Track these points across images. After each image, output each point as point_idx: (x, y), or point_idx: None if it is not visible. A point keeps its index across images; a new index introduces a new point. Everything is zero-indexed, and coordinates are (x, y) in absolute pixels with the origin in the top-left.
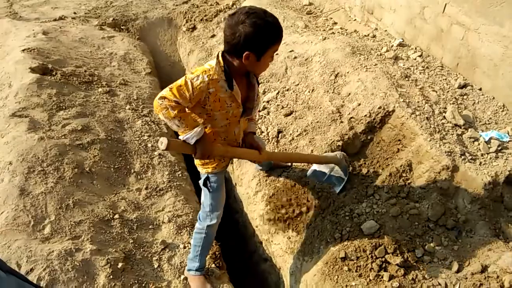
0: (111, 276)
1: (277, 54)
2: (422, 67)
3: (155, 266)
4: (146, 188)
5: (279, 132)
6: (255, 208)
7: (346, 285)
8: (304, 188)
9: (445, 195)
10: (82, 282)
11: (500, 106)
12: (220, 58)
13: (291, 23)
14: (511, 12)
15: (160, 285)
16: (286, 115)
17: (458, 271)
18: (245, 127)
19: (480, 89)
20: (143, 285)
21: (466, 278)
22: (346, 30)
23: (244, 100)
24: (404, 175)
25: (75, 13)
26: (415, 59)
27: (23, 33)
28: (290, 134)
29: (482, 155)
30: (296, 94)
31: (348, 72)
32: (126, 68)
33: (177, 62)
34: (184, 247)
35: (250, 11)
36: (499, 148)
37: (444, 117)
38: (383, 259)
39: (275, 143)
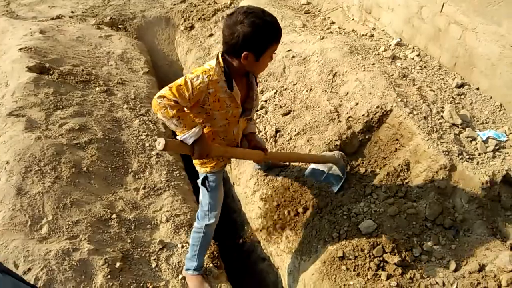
0: (109, 276)
1: (275, 53)
2: (420, 66)
3: (153, 266)
4: (144, 188)
5: (277, 131)
6: (253, 207)
7: (344, 284)
8: (302, 187)
9: (442, 195)
10: (79, 282)
11: (498, 106)
12: (220, 59)
13: (289, 23)
14: (509, 11)
15: (158, 285)
16: (284, 114)
17: (455, 270)
18: (244, 127)
19: (478, 89)
20: (141, 284)
21: (464, 277)
22: (344, 29)
23: (243, 101)
24: (401, 174)
25: (72, 12)
26: (413, 58)
27: (20, 32)
28: (288, 133)
29: (479, 154)
30: (294, 94)
31: (346, 72)
32: (124, 67)
33: (175, 61)
34: (182, 247)
35: (248, 10)
36: (496, 148)
37: (442, 116)
38: (381, 258)
39: (273, 143)
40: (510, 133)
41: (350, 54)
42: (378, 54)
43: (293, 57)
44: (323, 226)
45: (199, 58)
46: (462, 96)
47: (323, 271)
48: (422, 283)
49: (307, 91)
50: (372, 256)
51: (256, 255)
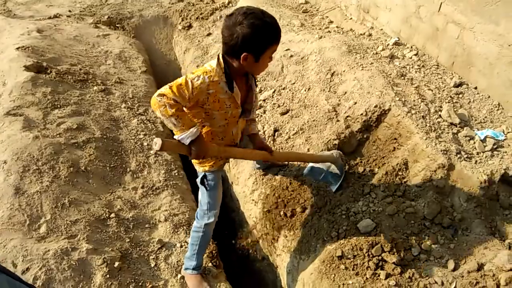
0: (108, 275)
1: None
2: (418, 66)
3: (152, 265)
4: (142, 187)
5: (275, 130)
6: (252, 207)
7: (343, 284)
8: (301, 187)
9: (441, 194)
10: (78, 281)
11: (496, 105)
12: (221, 59)
13: (287, 22)
14: (507, 11)
15: (157, 284)
16: (283, 113)
17: (454, 269)
18: (243, 127)
19: (476, 88)
20: (140, 284)
21: (463, 276)
22: (342, 28)
23: (243, 101)
24: (400, 173)
25: (70, 11)
26: (411, 58)
27: (17, 31)
28: (287, 132)
29: (477, 153)
30: (292, 93)
31: (344, 71)
32: (122, 66)
33: (173, 61)
34: (181, 246)
35: (247, 11)
36: (494, 147)
37: (440, 115)
38: (380, 257)
39: (272, 142)
40: (508, 132)
41: (348, 54)
42: (376, 53)
43: (291, 56)
44: (322, 225)
45: (197, 57)
46: (460, 95)
47: (322, 270)
48: (421, 282)
49: (305, 90)
50: (371, 255)
51: (255, 254)
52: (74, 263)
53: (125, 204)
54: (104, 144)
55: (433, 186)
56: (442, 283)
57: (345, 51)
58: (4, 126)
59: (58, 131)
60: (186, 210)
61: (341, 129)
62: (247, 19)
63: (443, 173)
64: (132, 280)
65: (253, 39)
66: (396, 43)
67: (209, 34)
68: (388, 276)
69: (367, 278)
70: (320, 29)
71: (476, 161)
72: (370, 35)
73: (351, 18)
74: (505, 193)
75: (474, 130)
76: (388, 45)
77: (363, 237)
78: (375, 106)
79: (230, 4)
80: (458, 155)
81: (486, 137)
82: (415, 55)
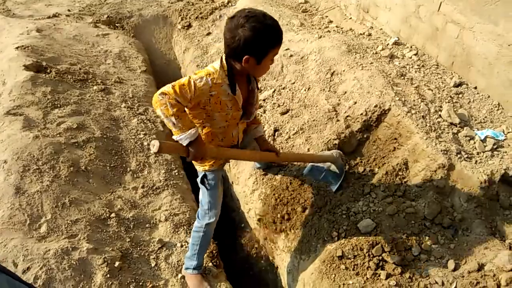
0: (108, 275)
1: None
2: (418, 65)
3: (152, 265)
4: (143, 187)
5: (275, 130)
6: (252, 206)
7: (343, 284)
8: (301, 186)
9: (441, 194)
10: (79, 281)
11: (495, 105)
12: (224, 62)
13: (286, 21)
14: (506, 10)
15: (157, 284)
16: (282, 113)
17: (454, 270)
18: (243, 129)
19: (475, 88)
20: (140, 284)
21: (463, 277)
22: (341, 28)
23: (244, 104)
24: (400, 173)
25: (69, 10)
26: (411, 57)
27: (16, 30)
28: (287, 132)
29: (477, 153)
30: (292, 93)
31: (344, 71)
32: (121, 66)
33: (173, 60)
34: (181, 246)
35: (249, 14)
36: (494, 147)
37: (440, 115)
38: (380, 257)
39: (272, 142)
40: (508, 132)
41: (348, 53)
42: (376, 53)
43: (291, 56)
44: (322, 225)
45: (197, 57)
46: (460, 95)
47: (322, 270)
48: (421, 283)
49: (305, 90)
50: (371, 255)
51: (255, 254)
52: (74, 262)
53: (125, 203)
54: (104, 143)
55: (433, 186)
56: (443, 283)
57: (344, 51)
58: (4, 125)
59: (58, 130)
60: (186, 209)
61: (341, 129)
62: (248, 22)
63: (443, 173)
64: (133, 280)
65: (255, 42)
66: (396, 43)
67: (208, 34)
68: (388, 276)
69: (367, 278)
70: (319, 28)
71: (476, 161)
72: (369, 34)
73: (350, 18)
74: (505, 193)
75: (474, 130)
76: (387, 44)
77: (363, 237)
78: (375, 106)
79: (230, 4)
80: (458, 155)
81: (486, 137)
82: (415, 54)
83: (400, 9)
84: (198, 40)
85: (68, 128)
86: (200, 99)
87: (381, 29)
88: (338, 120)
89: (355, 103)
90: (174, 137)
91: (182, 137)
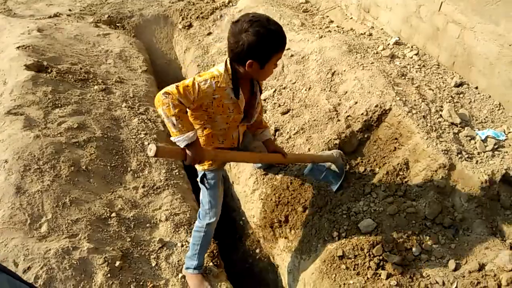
0: (109, 275)
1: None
2: (419, 65)
3: (153, 265)
4: (143, 187)
5: (276, 130)
6: (253, 206)
7: (344, 284)
8: (302, 186)
9: (442, 194)
10: (79, 280)
11: (496, 105)
12: (229, 66)
13: (287, 21)
14: (507, 10)
15: (158, 284)
16: (283, 113)
17: (455, 269)
18: (243, 131)
19: (476, 88)
20: (141, 283)
21: (464, 277)
22: (342, 28)
23: (246, 107)
24: (401, 173)
25: (70, 10)
26: (412, 57)
27: (17, 30)
28: (287, 132)
29: (478, 153)
30: (293, 92)
31: (344, 71)
32: (122, 65)
33: (173, 60)
34: (182, 246)
35: (253, 19)
36: (495, 147)
37: (441, 115)
38: (381, 257)
39: None
40: (509, 132)
41: (349, 53)
42: (377, 53)
43: (292, 56)
44: (323, 225)
45: (198, 57)
46: (461, 95)
47: (323, 270)
48: (422, 283)
49: (306, 90)
50: (372, 255)
51: (256, 254)
52: (75, 262)
53: (126, 203)
54: (105, 143)
55: (434, 186)
56: (443, 283)
57: (345, 51)
58: (5, 125)
59: (59, 130)
60: (187, 209)
61: (341, 129)
62: (252, 27)
63: (444, 173)
64: (133, 280)
65: (258, 47)
66: (397, 43)
67: (209, 34)
68: (389, 276)
69: (368, 278)
70: (320, 28)
71: (477, 161)
72: (370, 34)
73: (351, 18)
74: (506, 193)
75: (475, 130)
76: (388, 44)
77: (364, 237)
78: (376, 106)
79: (231, 3)
80: (459, 155)
81: (487, 137)
82: (416, 54)
83: (401, 9)
84: (199, 40)
85: (68, 127)
86: (203, 101)
87: (382, 29)
88: (338, 120)
89: (356, 103)
90: (172, 138)
91: (180, 139)
